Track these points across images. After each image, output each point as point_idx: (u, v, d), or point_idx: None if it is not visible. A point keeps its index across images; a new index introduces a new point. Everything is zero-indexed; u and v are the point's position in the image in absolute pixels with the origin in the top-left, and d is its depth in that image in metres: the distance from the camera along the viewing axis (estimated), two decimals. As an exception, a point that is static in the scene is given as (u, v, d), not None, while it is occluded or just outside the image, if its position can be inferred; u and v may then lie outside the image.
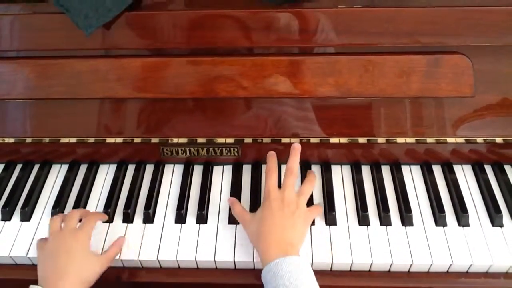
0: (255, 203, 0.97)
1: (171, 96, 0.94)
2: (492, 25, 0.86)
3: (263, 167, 1.04)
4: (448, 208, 0.95)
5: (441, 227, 0.92)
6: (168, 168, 1.06)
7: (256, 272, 0.87)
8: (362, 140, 0.99)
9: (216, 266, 0.91)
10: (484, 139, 0.98)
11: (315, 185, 0.94)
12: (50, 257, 0.83)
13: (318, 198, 0.98)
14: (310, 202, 0.94)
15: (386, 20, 0.87)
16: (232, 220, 0.94)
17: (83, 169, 1.06)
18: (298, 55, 0.92)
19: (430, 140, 0.98)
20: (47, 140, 1.03)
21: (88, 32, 0.86)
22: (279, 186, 0.91)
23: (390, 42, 0.89)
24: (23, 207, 0.98)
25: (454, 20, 0.87)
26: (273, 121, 0.98)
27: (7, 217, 0.98)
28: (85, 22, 0.85)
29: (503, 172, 1.01)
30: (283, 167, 1.02)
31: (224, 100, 0.96)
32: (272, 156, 0.94)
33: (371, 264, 0.88)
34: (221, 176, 1.04)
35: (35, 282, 0.92)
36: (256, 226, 0.85)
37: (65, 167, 1.07)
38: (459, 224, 0.92)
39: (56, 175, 1.06)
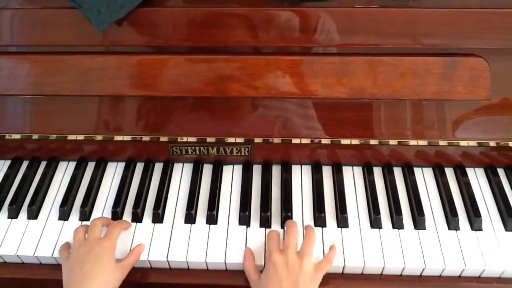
0: (265, 203, 0.95)
1: (181, 94, 0.93)
2: (510, 28, 0.85)
3: (274, 167, 1.03)
4: (461, 211, 0.94)
5: (454, 231, 0.91)
6: (177, 167, 1.04)
7: (267, 275, 0.86)
8: (373, 142, 0.98)
9: (226, 268, 0.90)
10: (497, 143, 0.97)
11: (315, 242, 0.88)
12: (77, 263, 0.82)
13: (329, 200, 0.97)
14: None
15: (403, 21, 0.85)
16: (243, 221, 0.93)
17: (90, 166, 1.05)
18: (312, 55, 0.91)
19: (442, 142, 0.98)
20: (54, 136, 1.02)
21: (101, 28, 0.84)
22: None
23: (406, 43, 0.88)
24: (30, 205, 0.96)
25: (471, 22, 0.86)
26: (284, 122, 0.97)
27: (14, 215, 0.97)
28: (98, 18, 0.84)
29: (517, 175, 1.00)
30: (294, 167, 1.03)
31: (235, 99, 0.95)
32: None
33: (383, 268, 0.87)
34: (231, 176, 1.02)
35: (42, 281, 0.91)
36: None
37: (72, 165, 1.06)
38: (472, 228, 0.92)
39: (64, 172, 1.05)
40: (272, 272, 0.81)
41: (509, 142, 0.96)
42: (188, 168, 1.04)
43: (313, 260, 0.85)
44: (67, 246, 0.90)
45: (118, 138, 1.01)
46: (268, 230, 0.92)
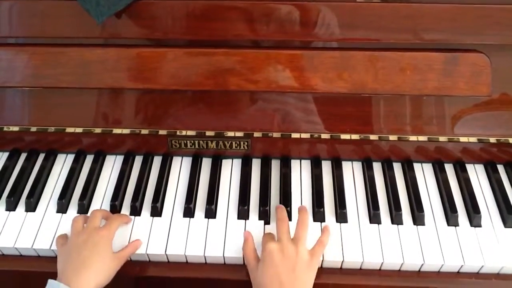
0: (264, 198, 0.95)
1: (181, 87, 0.93)
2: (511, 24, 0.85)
3: (273, 161, 1.03)
4: (460, 208, 0.94)
5: (453, 227, 0.91)
6: (176, 161, 1.04)
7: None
8: (373, 137, 0.98)
9: (224, 262, 0.89)
10: (497, 139, 0.97)
11: (309, 225, 0.88)
12: (75, 250, 0.82)
13: (329, 195, 0.97)
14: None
15: (405, 16, 0.85)
16: (242, 216, 0.93)
17: (89, 159, 1.04)
18: (312, 49, 0.90)
19: (442, 138, 0.98)
20: (52, 129, 1.01)
21: (100, 20, 0.84)
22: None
23: (407, 38, 0.87)
24: (28, 198, 0.96)
25: (473, 17, 0.85)
26: (283, 116, 0.96)
27: (12, 207, 0.96)
28: (97, 10, 0.83)
29: (516, 172, 1.00)
30: (293, 161, 1.02)
31: (234, 93, 0.94)
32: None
33: (382, 263, 0.87)
34: (230, 170, 1.02)
35: (40, 274, 0.91)
36: (260, 281, 0.81)
37: (70, 157, 1.05)
38: (471, 225, 0.91)
39: (62, 165, 1.04)
40: (268, 262, 0.81)
41: (509, 138, 0.96)
42: (187, 161, 1.04)
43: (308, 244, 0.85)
44: (64, 235, 0.90)
45: (117, 131, 1.00)
46: (267, 225, 0.92)
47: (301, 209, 0.90)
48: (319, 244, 0.86)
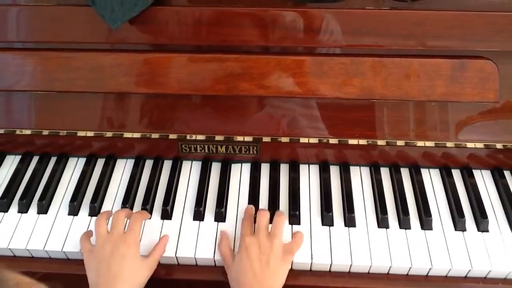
0: (273, 202, 0.97)
1: (192, 92, 0.94)
2: (519, 31, 0.86)
3: (282, 166, 1.04)
4: (467, 213, 0.94)
5: (460, 232, 0.92)
6: (186, 165, 1.05)
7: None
8: (381, 142, 0.99)
9: (234, 265, 0.90)
10: (504, 145, 0.98)
11: (285, 222, 0.91)
12: (104, 263, 0.82)
13: (337, 199, 0.97)
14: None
15: (414, 23, 0.86)
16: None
17: (100, 163, 1.06)
18: (322, 55, 0.91)
19: (449, 144, 0.98)
20: (64, 132, 1.03)
21: (115, 26, 0.85)
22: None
23: (416, 45, 0.88)
24: (40, 200, 0.97)
25: (481, 24, 0.86)
26: (292, 121, 0.97)
27: (24, 209, 0.97)
28: (112, 16, 0.84)
29: (524, 177, 1.01)
30: (301, 166, 1.03)
31: (244, 98, 0.95)
32: (250, 208, 0.94)
33: (390, 267, 0.87)
34: (239, 174, 1.03)
35: (51, 275, 0.92)
36: (235, 274, 0.84)
37: (82, 161, 1.06)
38: (478, 229, 0.92)
39: (73, 168, 1.05)
40: (245, 255, 0.84)
41: (516, 144, 0.97)
42: (196, 166, 1.05)
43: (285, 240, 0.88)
44: (88, 234, 0.89)
45: (127, 135, 1.02)
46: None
47: (278, 212, 0.93)
48: (295, 243, 0.89)
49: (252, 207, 0.95)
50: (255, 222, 0.91)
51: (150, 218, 0.95)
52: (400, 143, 0.99)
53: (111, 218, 0.90)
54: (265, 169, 1.04)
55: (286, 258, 0.86)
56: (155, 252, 0.87)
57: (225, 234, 0.91)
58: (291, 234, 0.92)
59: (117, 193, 1.00)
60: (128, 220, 0.90)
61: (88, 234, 0.90)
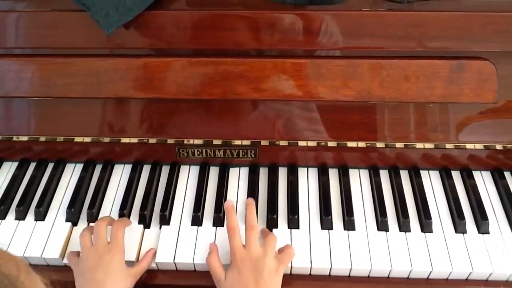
0: (272, 206, 0.96)
1: (189, 97, 0.93)
2: (518, 31, 0.86)
3: (280, 169, 1.03)
4: (468, 214, 0.94)
5: (461, 234, 0.91)
6: (184, 169, 1.05)
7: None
8: (380, 145, 0.99)
9: (233, 270, 0.90)
10: (503, 146, 0.97)
11: (276, 237, 0.87)
12: (88, 272, 0.82)
13: (336, 203, 0.97)
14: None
15: (411, 24, 0.85)
16: (250, 224, 0.93)
17: (98, 168, 1.05)
18: (319, 58, 0.91)
19: (449, 145, 0.98)
20: (61, 138, 1.02)
21: (109, 31, 0.85)
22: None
23: (413, 47, 0.87)
24: (37, 207, 0.97)
25: (479, 25, 0.86)
26: (290, 124, 0.97)
27: (22, 216, 0.97)
28: (106, 20, 0.84)
29: (524, 178, 1.00)
30: (300, 169, 1.03)
31: (241, 102, 0.95)
32: (231, 214, 0.89)
33: (390, 270, 0.87)
34: (238, 178, 1.03)
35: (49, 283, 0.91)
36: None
37: (79, 166, 1.06)
38: (479, 231, 0.92)
39: (71, 174, 1.05)
40: (236, 270, 0.82)
41: (516, 145, 0.97)
42: (194, 170, 1.04)
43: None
44: (75, 253, 0.89)
45: (125, 140, 1.01)
46: (274, 230, 0.92)
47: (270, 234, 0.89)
48: (287, 254, 0.86)
49: (233, 217, 0.89)
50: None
51: (129, 224, 0.93)
52: (399, 145, 0.98)
53: None
54: (263, 173, 1.03)
55: (279, 270, 0.83)
56: (142, 262, 0.87)
57: (214, 247, 0.89)
58: (290, 238, 0.91)
59: (115, 198, 1.00)
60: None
61: (73, 252, 0.89)
